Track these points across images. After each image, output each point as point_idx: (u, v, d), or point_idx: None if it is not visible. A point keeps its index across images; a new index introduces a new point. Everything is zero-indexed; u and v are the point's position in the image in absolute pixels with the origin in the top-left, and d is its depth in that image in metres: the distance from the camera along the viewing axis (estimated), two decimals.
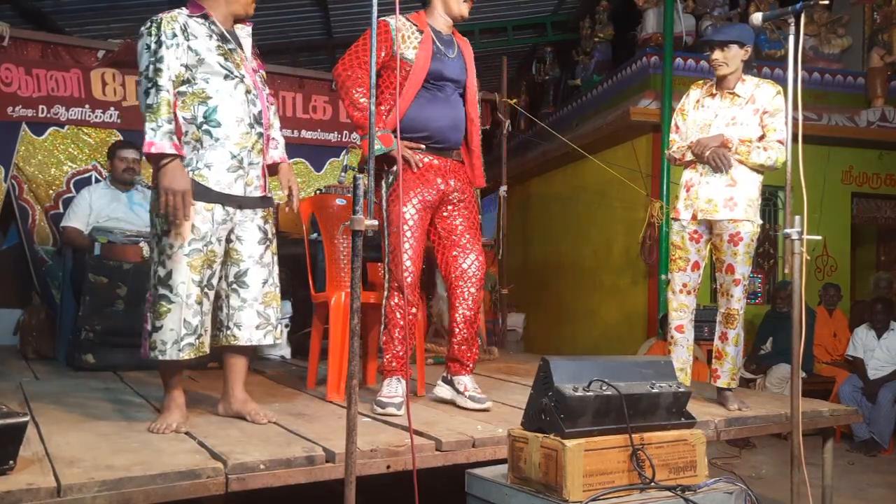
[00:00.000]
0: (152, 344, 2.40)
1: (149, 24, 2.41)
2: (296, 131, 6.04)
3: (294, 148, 5.30)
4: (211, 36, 2.47)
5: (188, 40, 2.41)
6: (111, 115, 5.41)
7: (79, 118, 5.33)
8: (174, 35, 2.39)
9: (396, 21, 2.83)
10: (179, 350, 2.39)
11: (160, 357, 2.40)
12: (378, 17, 1.98)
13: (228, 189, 2.47)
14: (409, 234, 2.86)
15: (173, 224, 2.37)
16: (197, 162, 2.44)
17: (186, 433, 2.37)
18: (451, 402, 2.97)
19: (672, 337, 3.62)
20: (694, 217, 3.29)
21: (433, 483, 2.29)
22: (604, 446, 1.85)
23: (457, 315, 2.96)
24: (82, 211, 4.47)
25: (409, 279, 2.84)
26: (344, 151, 6.11)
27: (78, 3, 5.81)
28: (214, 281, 2.50)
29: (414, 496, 2.01)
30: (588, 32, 8.14)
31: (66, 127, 5.33)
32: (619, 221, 6.92)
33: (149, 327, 2.41)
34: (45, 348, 4.55)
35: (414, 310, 3.01)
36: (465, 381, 2.96)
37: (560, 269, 8.12)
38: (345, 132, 6.31)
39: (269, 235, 2.62)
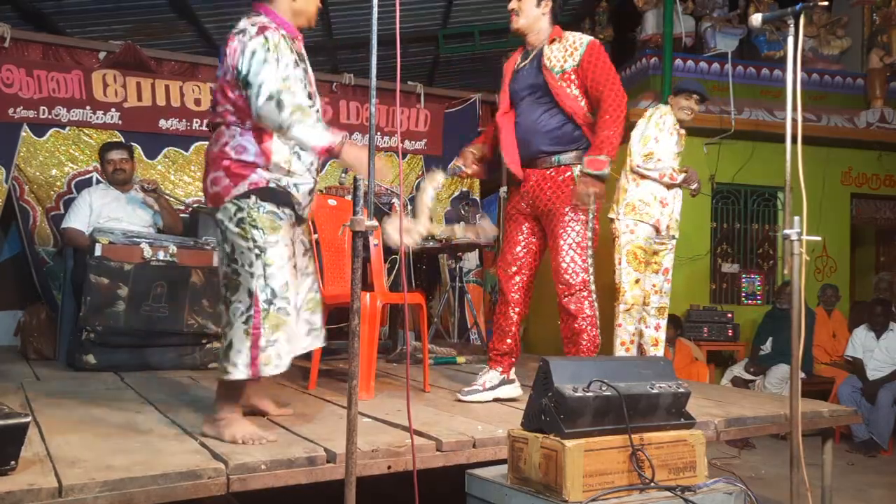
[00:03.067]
0: (266, 360, 2.30)
1: (264, 38, 2.27)
2: None
3: None
4: (292, 51, 2.40)
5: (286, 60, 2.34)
6: (112, 117, 5.42)
7: (80, 119, 5.34)
8: (289, 51, 2.35)
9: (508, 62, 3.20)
10: (286, 365, 2.37)
11: (274, 372, 2.32)
12: (378, 18, 1.98)
13: (302, 211, 2.52)
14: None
15: (276, 231, 2.34)
16: (287, 186, 2.41)
17: (187, 433, 2.37)
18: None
19: (636, 328, 4.14)
20: (668, 229, 4.06)
21: (433, 483, 2.29)
22: (603, 447, 1.86)
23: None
24: (83, 212, 4.48)
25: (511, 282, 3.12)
26: None
27: (79, 4, 5.81)
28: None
29: (414, 496, 2.01)
30: (587, 33, 8.14)
31: (67, 128, 5.34)
32: None
33: (261, 342, 2.29)
34: (46, 349, 4.55)
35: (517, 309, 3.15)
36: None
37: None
38: (345, 133, 6.32)
39: (308, 246, 2.71)
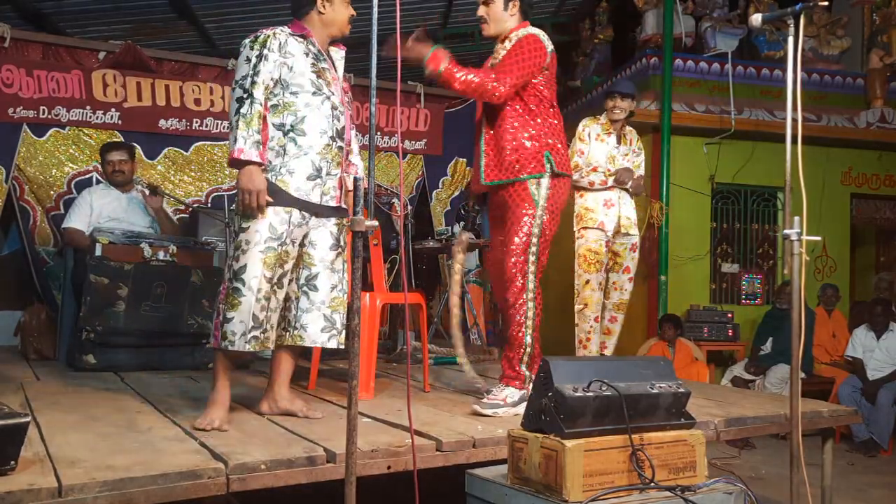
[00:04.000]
0: (223, 334, 2.51)
1: (252, 38, 2.58)
2: None
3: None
4: (307, 54, 2.63)
5: (284, 57, 2.57)
6: (112, 117, 5.42)
7: (80, 119, 5.33)
8: (272, 51, 2.56)
9: None
10: (246, 342, 2.50)
11: (230, 347, 2.51)
12: (378, 18, 1.98)
13: (307, 196, 2.60)
14: None
15: (251, 219, 2.53)
16: (280, 167, 2.58)
17: (187, 433, 2.37)
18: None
19: (592, 327, 4.27)
20: (615, 228, 4.23)
21: (433, 483, 2.29)
22: (603, 447, 1.86)
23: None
24: (83, 212, 4.48)
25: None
26: None
27: (79, 4, 5.81)
28: (285, 281, 2.61)
29: (414, 496, 2.01)
30: (588, 34, 8.14)
31: (67, 128, 5.34)
32: None
33: (220, 318, 2.53)
34: (46, 349, 4.55)
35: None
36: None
37: (560, 269, 8.11)
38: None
39: (342, 243, 2.74)
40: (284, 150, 2.58)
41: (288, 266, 2.61)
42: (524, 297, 2.87)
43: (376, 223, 1.89)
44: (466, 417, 2.76)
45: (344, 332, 2.72)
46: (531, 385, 2.85)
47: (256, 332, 2.52)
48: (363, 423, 2.48)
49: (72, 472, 1.86)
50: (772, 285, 6.96)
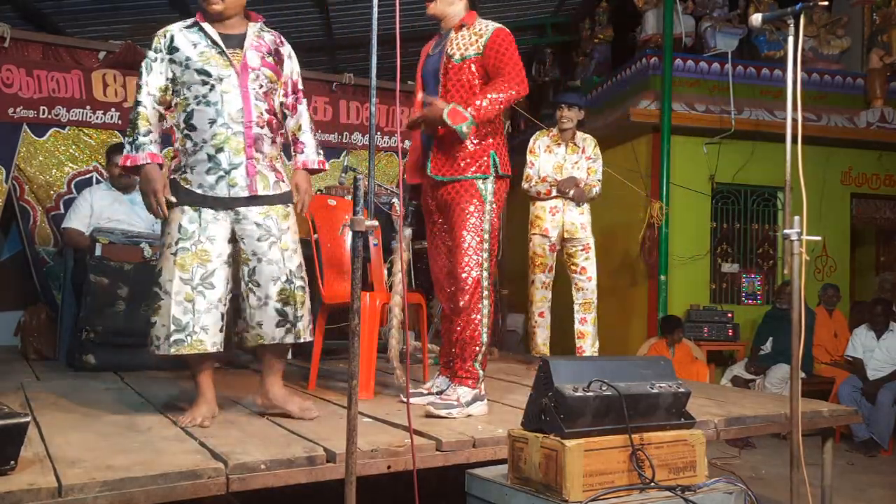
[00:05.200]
0: (150, 339, 2.52)
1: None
2: None
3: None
4: (196, 45, 2.56)
5: (171, 53, 2.55)
6: (112, 117, 5.41)
7: (80, 119, 5.33)
8: (158, 51, 2.57)
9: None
10: (169, 346, 2.46)
11: (156, 352, 2.50)
12: (378, 17, 1.98)
13: (212, 190, 2.53)
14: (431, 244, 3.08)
15: (165, 222, 2.55)
16: (184, 165, 2.57)
17: (187, 433, 2.37)
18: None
19: (536, 321, 4.60)
20: (560, 235, 4.51)
21: (433, 483, 2.29)
22: (604, 446, 1.86)
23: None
24: (83, 212, 4.47)
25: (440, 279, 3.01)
26: (344, 152, 6.12)
27: (79, 4, 5.81)
28: (216, 280, 2.51)
29: (414, 496, 2.01)
30: (588, 34, 8.14)
31: (67, 128, 5.33)
32: (619, 222, 6.93)
33: (148, 323, 2.54)
34: (46, 349, 4.55)
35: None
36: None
37: (560, 269, 8.11)
38: (345, 133, 6.32)
39: (274, 231, 2.58)
40: (185, 149, 2.56)
41: (212, 265, 2.50)
42: (479, 294, 2.81)
43: (376, 223, 1.89)
44: (466, 417, 2.75)
45: (301, 324, 2.59)
46: (482, 385, 2.88)
47: (181, 335, 2.45)
48: (363, 422, 2.48)
49: (72, 472, 1.86)
50: (772, 285, 6.96)
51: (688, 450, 2.00)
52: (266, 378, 2.69)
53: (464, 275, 2.81)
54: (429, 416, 2.70)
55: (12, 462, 1.86)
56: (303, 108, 2.78)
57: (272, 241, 2.58)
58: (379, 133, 6.32)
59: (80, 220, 4.45)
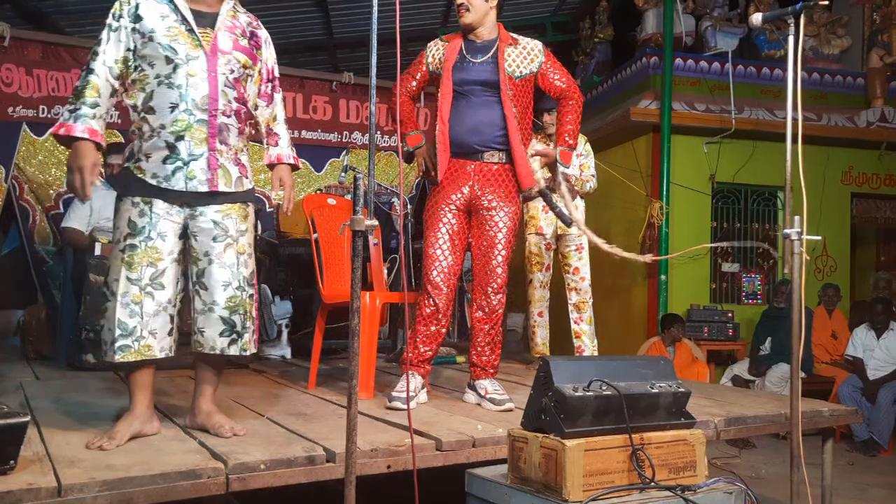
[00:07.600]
0: (101, 344, 2.26)
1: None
2: (296, 131, 6.05)
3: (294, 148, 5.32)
4: (164, 17, 2.28)
5: (135, 22, 2.27)
6: (111, 116, 5.39)
7: None
8: (119, 17, 2.29)
9: (431, 48, 3.14)
10: (115, 352, 2.20)
11: (104, 358, 2.23)
12: (378, 17, 1.97)
13: (167, 182, 2.26)
14: (440, 235, 3.04)
15: (115, 217, 2.30)
16: (137, 152, 2.30)
17: (187, 433, 2.37)
18: (479, 406, 3.04)
19: (536, 321, 4.65)
20: (554, 233, 4.53)
21: (433, 483, 2.29)
22: (604, 446, 1.85)
23: (475, 320, 3.08)
24: (83, 211, 4.47)
25: (437, 278, 3.00)
26: (344, 151, 6.12)
27: (78, 3, 5.81)
28: (165, 281, 2.26)
29: (414, 496, 2.01)
30: (588, 33, 8.14)
31: None
32: (619, 221, 6.93)
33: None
34: (46, 348, 4.55)
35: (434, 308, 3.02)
36: (486, 384, 3.04)
37: (556, 269, 8.12)
38: (345, 132, 6.32)
39: (232, 233, 2.34)
40: (140, 133, 2.28)
41: (163, 264, 2.25)
42: (504, 292, 3.06)
43: (376, 222, 1.89)
44: (466, 417, 2.75)
45: (247, 335, 2.34)
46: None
47: (127, 341, 2.19)
48: (363, 422, 2.47)
49: (71, 472, 1.86)
50: (772, 285, 6.97)
51: (688, 450, 2.00)
52: (198, 391, 2.43)
53: (503, 274, 3.03)
54: (508, 410, 2.89)
55: (12, 462, 1.85)
56: (279, 97, 2.58)
57: (228, 243, 2.33)
58: (379, 132, 6.33)
59: (79, 219, 4.45)
